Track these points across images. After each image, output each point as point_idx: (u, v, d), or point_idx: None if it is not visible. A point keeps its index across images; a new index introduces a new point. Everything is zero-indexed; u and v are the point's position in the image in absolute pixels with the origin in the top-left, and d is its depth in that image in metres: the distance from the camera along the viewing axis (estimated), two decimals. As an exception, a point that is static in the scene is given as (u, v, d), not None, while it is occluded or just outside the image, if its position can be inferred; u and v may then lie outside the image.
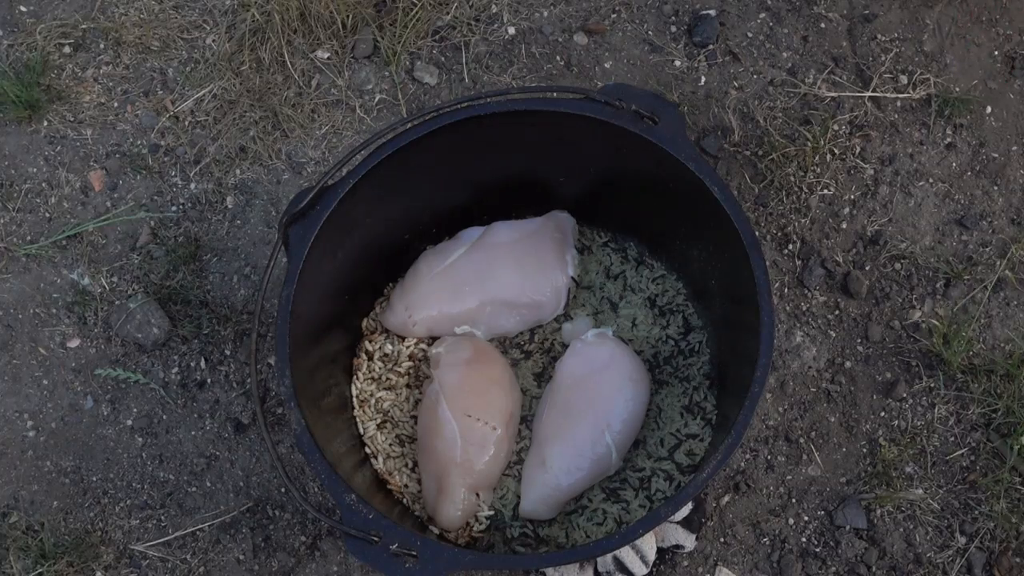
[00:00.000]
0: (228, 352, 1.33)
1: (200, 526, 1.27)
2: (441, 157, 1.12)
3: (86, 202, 1.41)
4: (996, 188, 1.37)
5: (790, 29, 1.44)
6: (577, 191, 1.24)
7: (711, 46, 1.44)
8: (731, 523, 1.24)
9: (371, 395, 1.22)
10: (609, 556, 1.18)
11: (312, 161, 1.41)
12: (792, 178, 1.36)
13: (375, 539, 0.94)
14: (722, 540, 1.24)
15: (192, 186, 1.41)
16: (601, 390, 1.16)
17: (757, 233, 1.34)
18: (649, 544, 1.19)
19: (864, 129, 1.39)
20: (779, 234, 1.35)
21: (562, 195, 1.25)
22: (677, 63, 1.44)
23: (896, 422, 1.28)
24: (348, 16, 1.43)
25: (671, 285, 1.25)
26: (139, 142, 1.43)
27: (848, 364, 1.30)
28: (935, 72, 1.41)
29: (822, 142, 1.36)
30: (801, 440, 1.27)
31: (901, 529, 1.24)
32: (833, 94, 1.40)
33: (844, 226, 1.35)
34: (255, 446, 1.30)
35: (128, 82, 1.46)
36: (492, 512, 1.17)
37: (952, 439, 1.27)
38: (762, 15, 1.45)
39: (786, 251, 1.34)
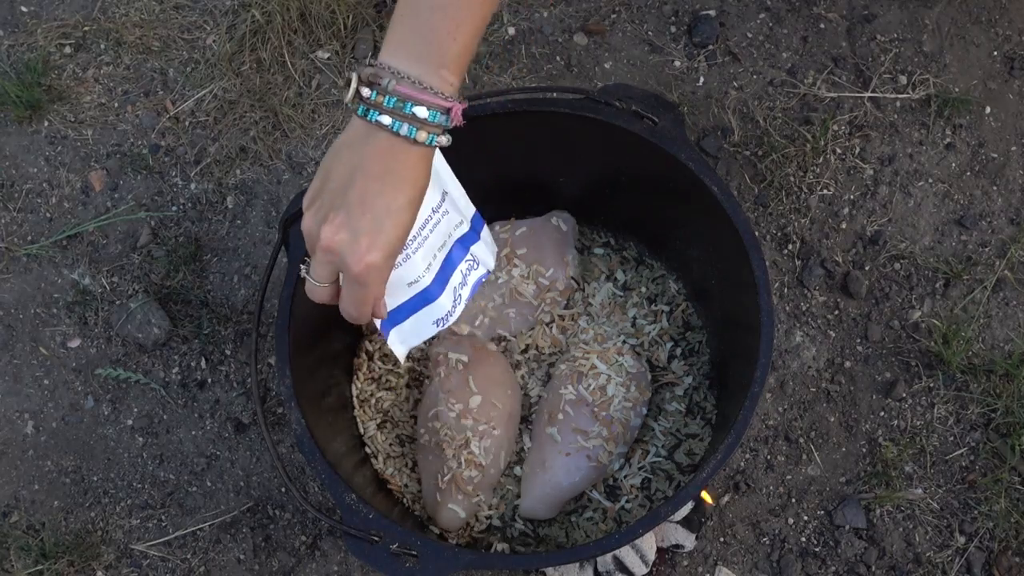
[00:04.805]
0: (228, 352, 1.33)
1: (200, 526, 1.27)
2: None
3: (86, 202, 1.41)
4: (995, 188, 1.37)
5: (790, 29, 1.45)
6: (577, 191, 1.24)
7: (711, 46, 1.44)
8: (731, 523, 1.24)
9: (371, 395, 1.22)
10: (609, 556, 1.18)
11: (312, 161, 1.41)
12: (792, 178, 1.36)
13: (375, 539, 0.94)
14: (722, 540, 1.24)
15: (192, 186, 1.41)
16: (601, 390, 1.16)
17: (757, 233, 1.34)
18: (649, 544, 1.19)
19: (864, 129, 1.39)
20: (779, 234, 1.35)
21: (562, 195, 1.25)
22: (677, 63, 1.44)
23: (896, 422, 1.28)
24: (348, 16, 1.44)
25: (671, 285, 1.25)
26: (139, 142, 1.43)
27: (848, 364, 1.30)
28: (934, 72, 1.41)
29: (822, 142, 1.36)
30: (801, 440, 1.27)
31: (901, 529, 1.24)
32: (833, 94, 1.40)
33: (844, 226, 1.35)
34: (255, 446, 1.30)
35: (128, 82, 1.46)
36: (492, 512, 1.17)
37: (952, 439, 1.27)
38: (762, 15, 1.45)
39: (786, 251, 1.34)
